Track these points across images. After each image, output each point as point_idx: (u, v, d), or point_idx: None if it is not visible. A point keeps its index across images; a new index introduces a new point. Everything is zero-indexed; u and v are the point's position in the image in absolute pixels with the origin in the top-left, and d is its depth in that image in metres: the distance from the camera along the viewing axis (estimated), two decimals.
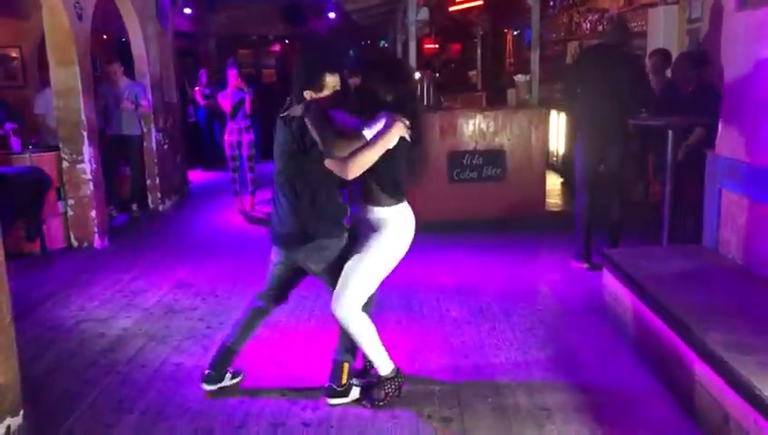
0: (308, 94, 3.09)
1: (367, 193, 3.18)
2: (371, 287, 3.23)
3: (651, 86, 5.71)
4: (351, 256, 3.18)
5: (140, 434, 3.09)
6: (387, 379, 3.28)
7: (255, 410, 3.27)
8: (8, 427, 3.01)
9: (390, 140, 3.00)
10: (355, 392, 3.31)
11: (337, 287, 3.17)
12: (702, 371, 2.96)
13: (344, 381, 3.29)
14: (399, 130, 3.02)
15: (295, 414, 3.23)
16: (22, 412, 3.12)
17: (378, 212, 3.17)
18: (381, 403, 3.26)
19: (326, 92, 3.11)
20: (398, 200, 3.20)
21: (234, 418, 3.20)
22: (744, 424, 2.62)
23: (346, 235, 3.24)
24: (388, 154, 3.03)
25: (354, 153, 2.94)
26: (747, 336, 2.95)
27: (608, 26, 5.67)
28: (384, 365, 3.28)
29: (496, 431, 3.05)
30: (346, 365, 3.31)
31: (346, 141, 2.98)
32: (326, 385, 3.32)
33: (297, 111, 3.06)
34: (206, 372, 3.43)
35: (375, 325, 3.26)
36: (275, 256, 3.38)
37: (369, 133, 3.02)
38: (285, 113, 3.12)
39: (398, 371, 3.32)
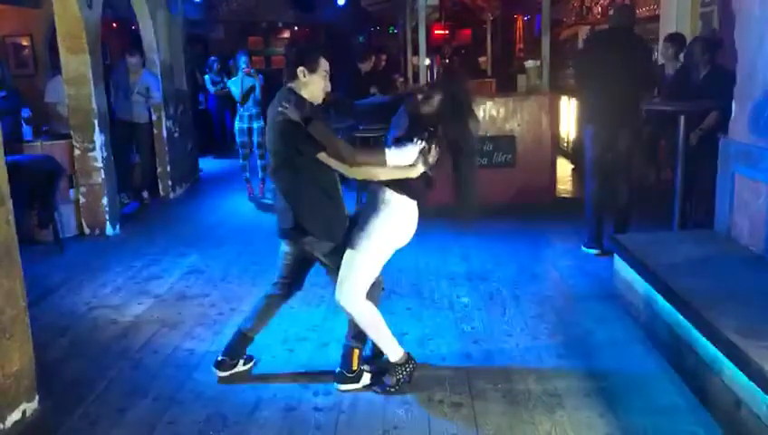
0: (301, 72, 3.10)
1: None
2: (372, 274, 3.23)
3: (654, 70, 5.67)
4: (351, 239, 3.17)
5: (153, 419, 3.12)
6: (397, 365, 3.29)
7: (267, 395, 3.29)
8: (24, 412, 3.05)
9: (404, 174, 3.05)
10: (366, 378, 3.33)
11: (339, 277, 3.18)
12: (714, 356, 2.95)
13: (355, 367, 3.31)
14: (418, 169, 3.06)
15: (307, 399, 3.25)
16: (37, 398, 3.17)
17: (385, 193, 3.15)
18: (392, 389, 3.27)
19: (317, 76, 3.12)
20: (407, 195, 3.17)
21: (246, 403, 3.23)
22: (756, 409, 2.62)
23: (342, 235, 3.22)
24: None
25: (367, 163, 3.04)
26: (760, 322, 2.93)
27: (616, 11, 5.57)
28: (393, 352, 3.29)
29: (507, 417, 3.05)
30: (356, 351, 3.32)
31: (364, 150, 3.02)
32: (336, 371, 3.33)
33: (292, 114, 2.99)
34: (220, 357, 3.45)
35: (385, 312, 3.27)
36: (283, 245, 3.41)
37: (391, 154, 3.03)
38: (280, 116, 3.03)
39: (408, 357, 3.32)
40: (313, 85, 3.14)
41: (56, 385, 3.44)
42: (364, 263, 3.17)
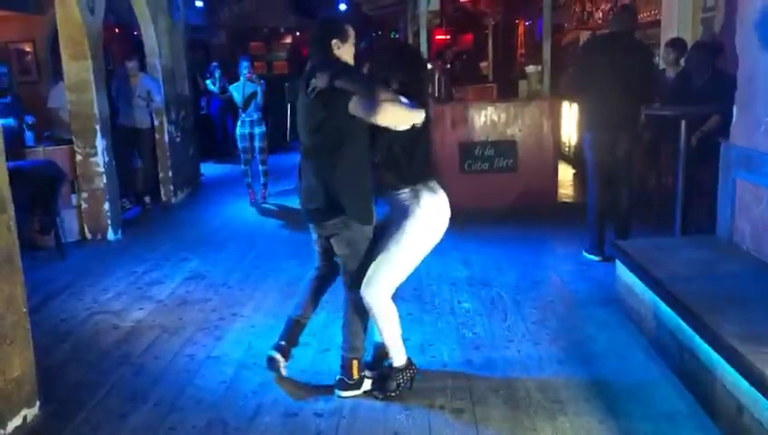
0: (335, 44, 3.10)
1: (396, 175, 3.16)
2: (404, 273, 3.22)
3: (655, 75, 5.65)
4: (384, 240, 3.17)
5: (154, 425, 3.11)
6: (399, 370, 3.29)
7: (268, 401, 3.29)
8: (25, 417, 3.05)
9: (417, 117, 3.04)
10: (367, 384, 3.32)
11: (369, 271, 3.16)
12: (715, 361, 2.94)
13: (356, 375, 3.29)
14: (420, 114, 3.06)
15: (308, 405, 3.25)
16: (38, 403, 3.17)
17: (408, 193, 3.15)
18: (393, 394, 3.27)
19: (349, 44, 3.15)
20: (427, 181, 3.18)
21: (247, 409, 3.22)
22: (758, 415, 2.61)
23: (372, 227, 3.22)
24: (413, 136, 3.08)
25: (389, 101, 2.96)
26: (762, 327, 2.92)
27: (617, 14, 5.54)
28: (399, 356, 3.28)
29: (508, 423, 3.05)
30: (355, 362, 3.29)
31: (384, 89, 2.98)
32: (337, 378, 3.32)
33: (321, 80, 2.99)
34: (279, 342, 3.42)
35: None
36: (312, 232, 3.40)
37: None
38: (310, 87, 3.04)
39: (410, 362, 3.32)
40: (346, 55, 3.16)
41: (57, 390, 3.43)
42: (398, 260, 3.16)
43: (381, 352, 3.44)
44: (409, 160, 3.13)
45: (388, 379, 3.31)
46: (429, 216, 3.16)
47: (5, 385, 2.93)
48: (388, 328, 3.24)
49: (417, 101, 3.09)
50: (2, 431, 2.89)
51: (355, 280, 3.21)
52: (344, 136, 3.07)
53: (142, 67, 7.92)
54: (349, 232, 3.15)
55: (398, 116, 3.01)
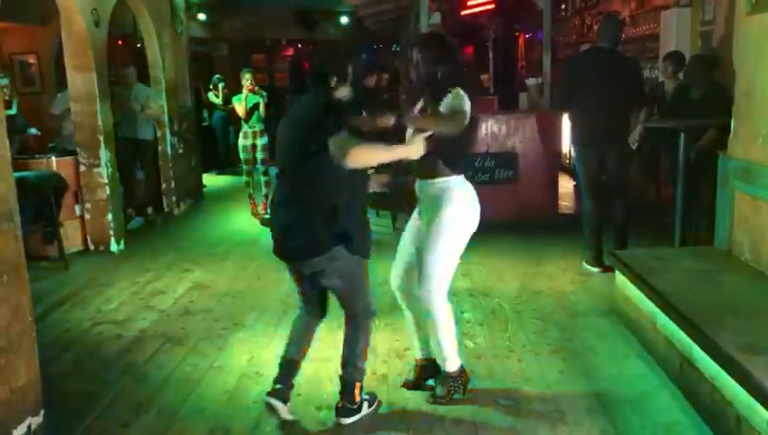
0: (332, 81, 3.00)
1: (427, 166, 3.16)
2: (453, 265, 3.23)
3: (643, 86, 5.66)
4: (423, 238, 3.19)
5: (157, 434, 3.14)
6: (451, 377, 3.31)
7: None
8: (29, 426, 3.07)
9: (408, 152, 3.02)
10: (365, 407, 3.23)
11: (421, 277, 3.17)
12: (715, 372, 2.97)
13: (357, 398, 3.18)
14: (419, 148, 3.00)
15: (309, 414, 3.28)
16: (42, 412, 3.18)
17: (439, 183, 3.18)
18: (443, 400, 3.30)
19: (345, 88, 3.06)
20: (458, 172, 3.21)
21: (248, 418, 3.25)
22: (755, 425, 2.63)
23: (365, 260, 3.08)
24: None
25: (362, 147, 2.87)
26: (760, 337, 2.95)
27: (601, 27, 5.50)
28: (452, 361, 3.31)
29: (509, 433, 3.07)
30: (358, 384, 3.18)
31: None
32: (339, 405, 3.19)
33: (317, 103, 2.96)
34: (278, 386, 3.18)
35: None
36: (290, 272, 3.19)
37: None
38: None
39: (463, 369, 3.34)
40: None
41: (61, 400, 3.46)
42: (444, 256, 3.17)
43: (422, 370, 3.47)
44: (445, 154, 3.15)
45: (440, 384, 3.33)
46: (462, 203, 3.20)
47: (11, 394, 2.94)
48: (446, 330, 3.24)
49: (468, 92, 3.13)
50: None
51: (355, 308, 3.13)
52: (329, 169, 2.85)
53: (141, 77, 7.96)
54: (337, 264, 2.96)
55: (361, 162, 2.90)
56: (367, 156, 2.88)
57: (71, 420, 3.26)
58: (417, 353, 3.52)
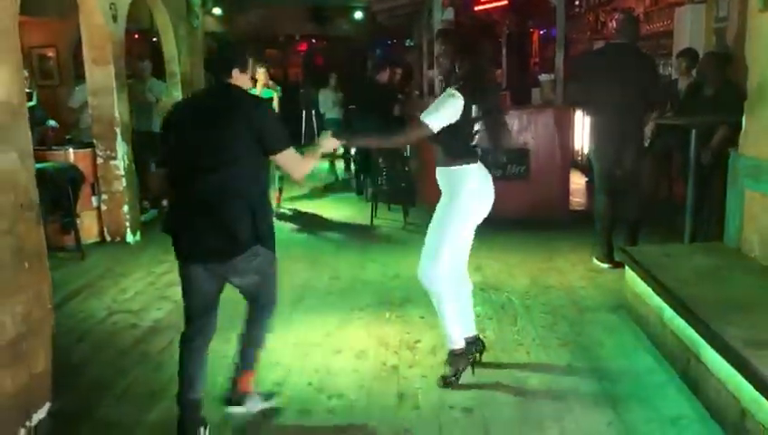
0: (235, 73, 2.95)
1: (439, 155, 3.36)
2: (458, 250, 3.36)
3: (660, 84, 5.66)
4: (436, 219, 3.34)
5: (171, 420, 3.19)
6: (456, 355, 3.44)
7: (283, 398, 3.39)
8: (48, 411, 3.16)
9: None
10: (258, 400, 3.23)
11: (426, 253, 3.33)
12: (720, 366, 3.00)
13: (249, 389, 3.19)
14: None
15: (321, 402, 3.35)
16: (60, 398, 3.27)
17: (450, 172, 3.32)
18: (450, 380, 3.42)
19: (249, 74, 3.05)
20: (470, 161, 3.32)
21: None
22: (760, 419, 2.67)
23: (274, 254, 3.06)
24: (450, 126, 3.20)
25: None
26: (766, 333, 2.98)
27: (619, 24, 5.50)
28: (456, 339, 3.44)
29: (516, 422, 3.12)
30: (252, 377, 3.21)
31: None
32: (229, 395, 3.20)
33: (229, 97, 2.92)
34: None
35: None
36: (193, 280, 3.01)
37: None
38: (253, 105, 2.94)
39: (468, 349, 3.47)
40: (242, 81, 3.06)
41: (78, 387, 3.55)
42: (450, 239, 3.31)
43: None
44: (449, 148, 3.31)
45: (447, 365, 3.45)
46: (472, 190, 3.32)
47: (31, 379, 3.03)
48: (449, 307, 3.38)
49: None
50: (28, 423, 3.00)
51: (271, 298, 3.17)
52: (262, 161, 2.93)
53: (156, 71, 8.05)
54: (257, 261, 2.95)
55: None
56: (306, 167, 3.06)
57: (88, 407, 3.35)
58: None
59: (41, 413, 3.11)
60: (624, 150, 5.26)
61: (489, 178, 3.41)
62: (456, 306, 3.41)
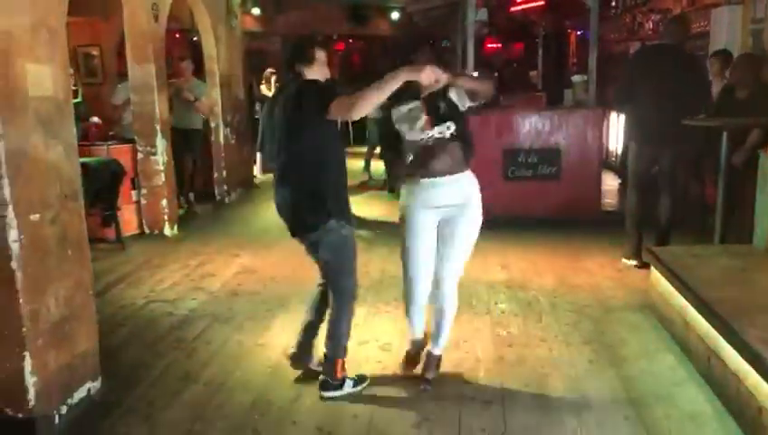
0: (299, 68, 3.26)
1: (454, 159, 3.25)
2: None
3: (710, 89, 5.64)
4: (454, 234, 3.33)
5: (203, 402, 3.37)
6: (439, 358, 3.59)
7: (309, 385, 3.49)
8: (89, 389, 3.34)
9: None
10: (349, 385, 3.41)
11: (454, 272, 3.39)
12: (740, 365, 3.03)
13: (339, 375, 3.38)
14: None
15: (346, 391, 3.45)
16: (100, 378, 3.45)
17: (467, 177, 3.32)
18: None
19: (317, 67, 3.27)
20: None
21: (290, 391, 3.46)
22: None
23: (353, 230, 3.35)
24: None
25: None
26: None
27: (667, 25, 5.49)
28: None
29: (535, 415, 3.19)
30: (339, 361, 3.38)
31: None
32: (321, 379, 3.41)
33: (292, 88, 3.23)
34: (291, 350, 3.58)
35: (425, 315, 3.49)
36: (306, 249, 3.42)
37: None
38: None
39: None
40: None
41: (117, 369, 3.72)
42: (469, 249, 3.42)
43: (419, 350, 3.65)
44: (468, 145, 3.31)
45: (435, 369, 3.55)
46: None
47: (72, 359, 3.21)
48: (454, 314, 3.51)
49: None
50: (69, 400, 3.18)
51: (341, 286, 3.35)
52: (325, 140, 3.20)
53: (196, 71, 8.25)
54: (333, 235, 3.23)
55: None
56: (366, 99, 2.97)
57: (125, 387, 3.52)
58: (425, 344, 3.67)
59: (82, 391, 3.29)
60: (663, 152, 5.26)
61: None
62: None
